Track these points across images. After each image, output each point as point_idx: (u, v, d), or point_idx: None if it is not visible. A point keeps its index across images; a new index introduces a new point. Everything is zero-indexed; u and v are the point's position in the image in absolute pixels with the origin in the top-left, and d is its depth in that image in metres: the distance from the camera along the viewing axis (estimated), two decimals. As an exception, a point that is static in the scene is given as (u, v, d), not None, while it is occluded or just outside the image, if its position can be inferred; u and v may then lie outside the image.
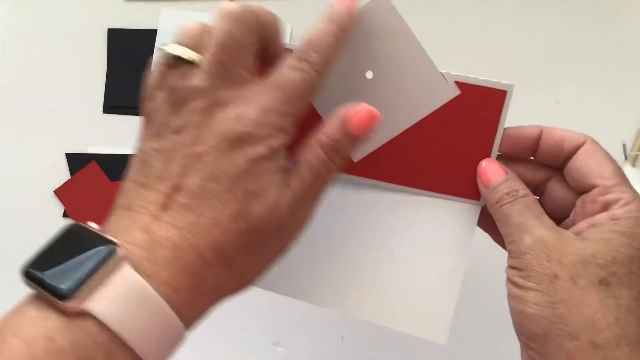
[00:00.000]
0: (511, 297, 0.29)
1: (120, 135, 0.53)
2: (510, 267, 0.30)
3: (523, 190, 0.31)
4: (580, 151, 0.31)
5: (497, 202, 0.31)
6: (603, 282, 0.27)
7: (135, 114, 0.53)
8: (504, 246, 0.31)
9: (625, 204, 0.29)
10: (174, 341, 0.25)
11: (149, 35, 0.53)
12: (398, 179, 0.34)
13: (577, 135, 0.32)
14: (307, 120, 0.30)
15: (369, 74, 0.32)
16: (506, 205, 0.31)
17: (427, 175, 0.33)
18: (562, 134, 0.32)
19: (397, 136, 0.33)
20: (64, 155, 0.52)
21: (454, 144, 0.33)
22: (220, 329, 0.50)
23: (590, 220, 0.30)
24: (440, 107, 0.32)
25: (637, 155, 0.51)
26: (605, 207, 0.30)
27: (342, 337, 0.49)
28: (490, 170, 0.32)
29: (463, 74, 0.32)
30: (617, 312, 0.27)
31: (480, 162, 0.33)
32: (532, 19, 0.53)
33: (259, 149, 0.26)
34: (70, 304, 0.23)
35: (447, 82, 0.32)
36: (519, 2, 0.53)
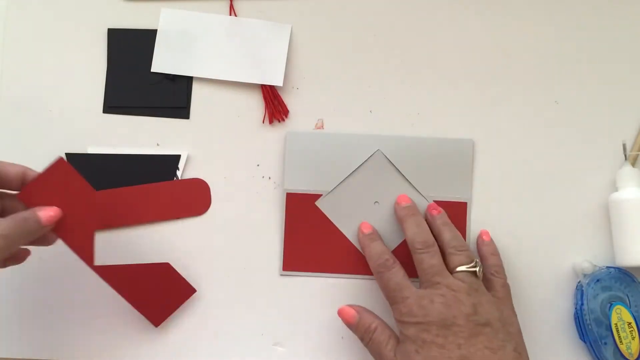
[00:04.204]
0: None
1: (120, 135, 0.53)
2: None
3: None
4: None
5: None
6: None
7: (135, 114, 0.53)
8: None
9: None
10: None
11: (149, 35, 0.53)
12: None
13: None
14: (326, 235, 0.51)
15: (376, 202, 0.51)
16: None
17: None
18: None
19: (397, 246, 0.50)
20: (64, 155, 0.52)
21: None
22: (221, 329, 0.50)
23: None
24: None
25: (637, 155, 0.51)
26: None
27: (342, 337, 0.50)
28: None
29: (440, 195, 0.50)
30: None
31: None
32: (533, 19, 0.53)
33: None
34: None
35: (427, 201, 0.50)
36: (519, 2, 0.53)
